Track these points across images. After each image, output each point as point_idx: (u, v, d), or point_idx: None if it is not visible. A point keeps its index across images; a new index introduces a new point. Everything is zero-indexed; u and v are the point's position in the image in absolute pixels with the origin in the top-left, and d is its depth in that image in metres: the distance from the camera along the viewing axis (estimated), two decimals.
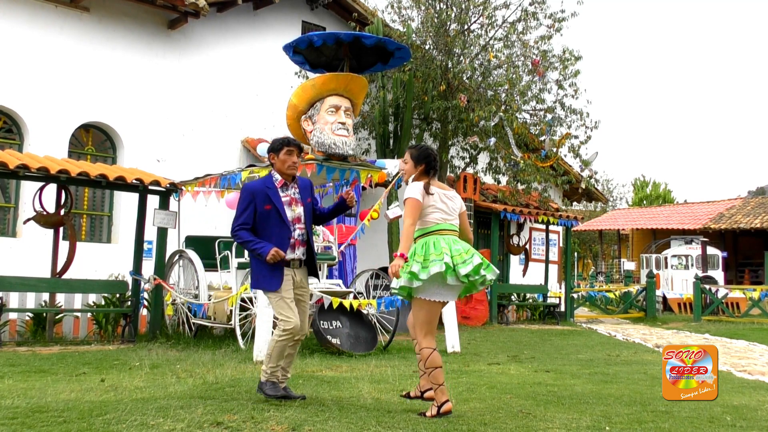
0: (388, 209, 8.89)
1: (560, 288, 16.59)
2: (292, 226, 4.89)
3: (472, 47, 13.50)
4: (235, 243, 9.23)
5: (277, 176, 4.96)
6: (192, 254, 9.50)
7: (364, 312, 8.62)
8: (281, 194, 4.91)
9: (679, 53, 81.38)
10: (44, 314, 8.85)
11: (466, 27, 13.53)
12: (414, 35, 13.46)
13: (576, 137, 13.55)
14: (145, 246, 9.69)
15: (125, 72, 11.94)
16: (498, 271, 4.67)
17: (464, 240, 4.80)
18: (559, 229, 17.80)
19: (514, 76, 13.14)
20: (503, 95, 13.45)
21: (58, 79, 11.27)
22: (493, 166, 14.03)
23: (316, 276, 5.19)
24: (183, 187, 9.61)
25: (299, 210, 4.95)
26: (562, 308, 15.25)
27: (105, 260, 10.76)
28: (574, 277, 27.48)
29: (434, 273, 4.36)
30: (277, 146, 4.97)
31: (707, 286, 17.56)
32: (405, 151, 5.10)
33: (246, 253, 8.70)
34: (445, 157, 13.53)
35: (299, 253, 4.94)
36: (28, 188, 10.45)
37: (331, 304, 8.13)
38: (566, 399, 5.30)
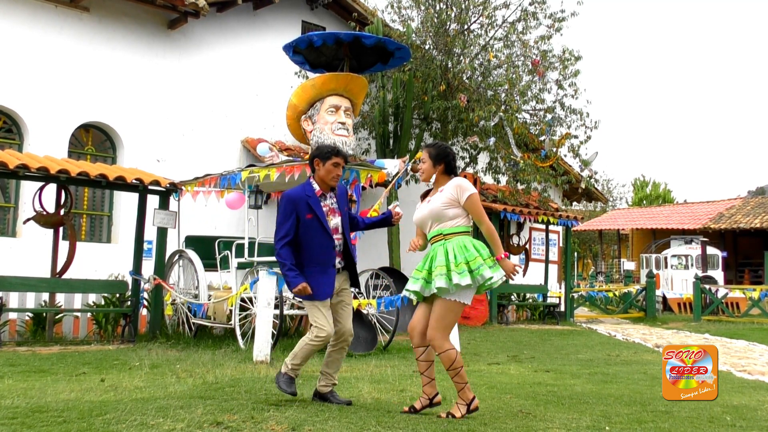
0: (388, 209, 8.88)
1: (560, 288, 16.59)
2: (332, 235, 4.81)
3: (472, 47, 13.50)
4: (235, 243, 9.30)
5: (316, 185, 4.82)
6: (192, 254, 9.49)
7: (364, 312, 8.62)
8: (321, 203, 4.80)
9: (679, 53, 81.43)
10: (44, 314, 8.85)
11: (466, 27, 13.53)
12: (414, 35, 13.46)
13: (576, 137, 13.56)
14: (145, 246, 9.68)
15: (125, 72, 11.94)
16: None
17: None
18: (559, 229, 17.79)
19: (514, 76, 13.15)
20: (503, 95, 13.46)
21: (58, 79, 11.27)
22: (493, 166, 14.03)
23: (357, 285, 5.07)
24: (183, 187, 9.61)
25: (336, 220, 4.84)
26: (562, 308, 15.24)
27: (105, 260, 10.76)
28: (574, 277, 27.47)
29: (495, 279, 4.38)
30: (324, 154, 4.80)
31: (707, 286, 17.56)
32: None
33: (246, 253, 8.73)
34: None
35: (337, 262, 4.84)
36: (28, 188, 10.44)
37: None
38: (566, 399, 5.30)
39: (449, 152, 4.62)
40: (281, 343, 8.02)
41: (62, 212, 9.26)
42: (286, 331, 9.43)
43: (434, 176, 4.60)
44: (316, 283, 4.70)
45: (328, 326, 4.66)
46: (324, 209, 4.78)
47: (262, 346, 7.20)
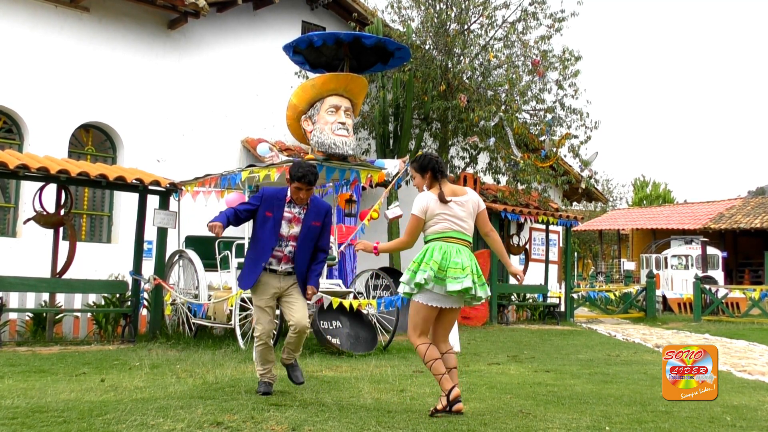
0: (387, 209, 8.89)
1: (560, 288, 16.58)
2: (285, 241, 5.15)
3: (472, 47, 13.51)
4: (235, 243, 9.30)
5: (290, 192, 5.18)
6: (192, 254, 9.49)
7: (364, 312, 8.62)
8: (286, 209, 5.14)
9: (679, 53, 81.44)
10: (44, 314, 8.85)
11: (466, 27, 13.53)
12: (414, 35, 13.46)
13: (576, 137, 13.56)
14: (145, 246, 9.68)
15: (125, 72, 11.94)
16: (489, 293, 4.81)
17: (492, 244, 4.83)
18: (559, 229, 17.79)
19: (514, 76, 13.15)
20: (503, 95, 13.46)
21: (58, 79, 11.27)
22: (493, 166, 14.03)
23: (303, 293, 5.27)
24: (183, 187, 9.60)
25: (296, 229, 5.17)
26: (562, 308, 15.23)
27: (105, 260, 10.76)
28: (574, 277, 27.47)
29: (417, 282, 4.45)
30: (292, 175, 5.09)
31: (707, 286, 17.56)
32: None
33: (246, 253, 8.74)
34: (445, 157, 13.53)
35: (287, 267, 5.20)
36: (28, 188, 10.45)
37: (331, 304, 8.13)
38: (566, 399, 5.30)
39: (430, 159, 4.80)
40: (281, 343, 8.00)
41: (62, 212, 9.26)
42: (286, 331, 9.42)
43: (426, 186, 4.81)
44: (243, 272, 5.23)
45: (261, 325, 5.13)
46: (287, 215, 5.13)
47: None
